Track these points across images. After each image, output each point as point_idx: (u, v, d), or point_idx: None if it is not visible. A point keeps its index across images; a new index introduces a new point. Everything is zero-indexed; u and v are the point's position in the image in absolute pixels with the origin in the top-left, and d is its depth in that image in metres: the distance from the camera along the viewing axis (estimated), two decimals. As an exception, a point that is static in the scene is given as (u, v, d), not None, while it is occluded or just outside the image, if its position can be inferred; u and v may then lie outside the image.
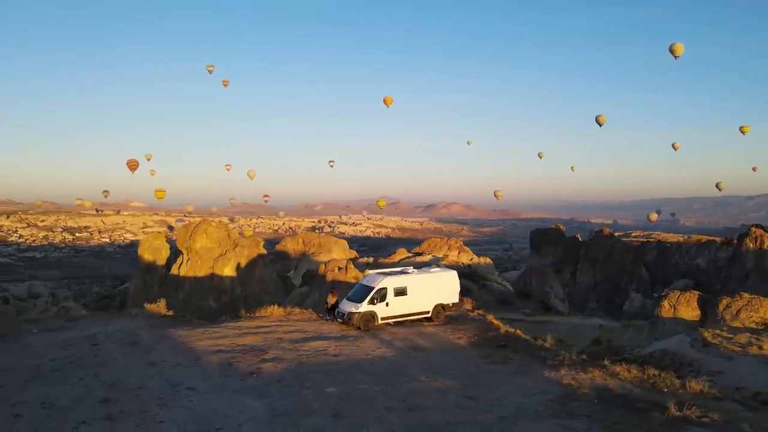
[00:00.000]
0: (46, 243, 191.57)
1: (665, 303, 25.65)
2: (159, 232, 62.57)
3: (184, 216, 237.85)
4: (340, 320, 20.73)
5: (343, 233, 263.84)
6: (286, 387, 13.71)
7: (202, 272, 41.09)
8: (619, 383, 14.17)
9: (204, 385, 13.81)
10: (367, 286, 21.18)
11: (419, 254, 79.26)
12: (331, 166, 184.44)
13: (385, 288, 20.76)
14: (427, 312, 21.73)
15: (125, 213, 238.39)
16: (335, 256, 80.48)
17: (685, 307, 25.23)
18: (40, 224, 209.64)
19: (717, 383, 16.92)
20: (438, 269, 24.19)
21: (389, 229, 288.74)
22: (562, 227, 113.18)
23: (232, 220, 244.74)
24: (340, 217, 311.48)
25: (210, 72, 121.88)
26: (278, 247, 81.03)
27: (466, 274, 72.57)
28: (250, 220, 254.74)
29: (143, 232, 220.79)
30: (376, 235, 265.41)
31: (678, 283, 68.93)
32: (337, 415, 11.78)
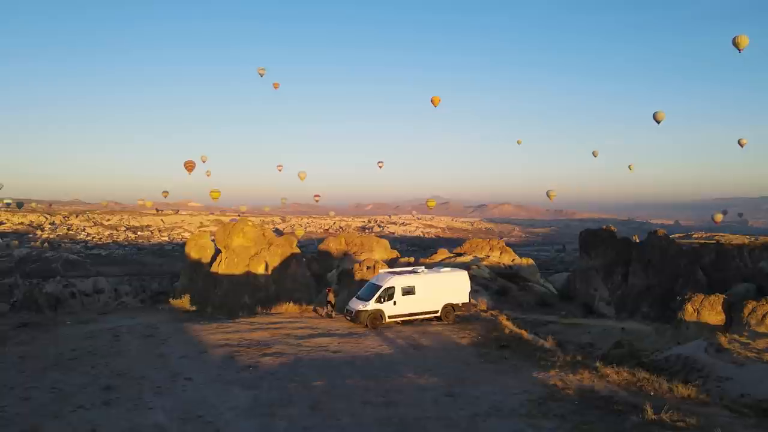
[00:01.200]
0: (111, 241, 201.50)
1: (689, 307, 24.83)
2: (204, 232, 64.88)
3: (238, 216, 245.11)
4: (348, 318, 21.27)
5: (393, 233, 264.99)
6: (277, 380, 14.33)
7: (238, 270, 42.60)
8: (606, 385, 14.04)
9: (201, 376, 14.62)
10: (375, 284, 21.61)
11: (460, 254, 78.97)
12: (380, 167, 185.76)
13: (393, 287, 21.14)
14: (436, 311, 21.96)
15: (183, 213, 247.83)
16: (376, 256, 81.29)
17: (709, 311, 24.31)
18: (106, 223, 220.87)
19: (723, 389, 16.48)
20: (448, 269, 24.35)
21: (439, 230, 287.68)
22: (613, 227, 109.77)
23: (283, 219, 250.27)
24: (390, 217, 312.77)
25: (261, 75, 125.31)
26: (321, 246, 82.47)
27: (508, 275, 71.94)
28: (302, 219, 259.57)
29: (200, 231, 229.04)
30: (426, 236, 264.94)
31: (738, 288, 65.70)
32: (313, 407, 12.29)
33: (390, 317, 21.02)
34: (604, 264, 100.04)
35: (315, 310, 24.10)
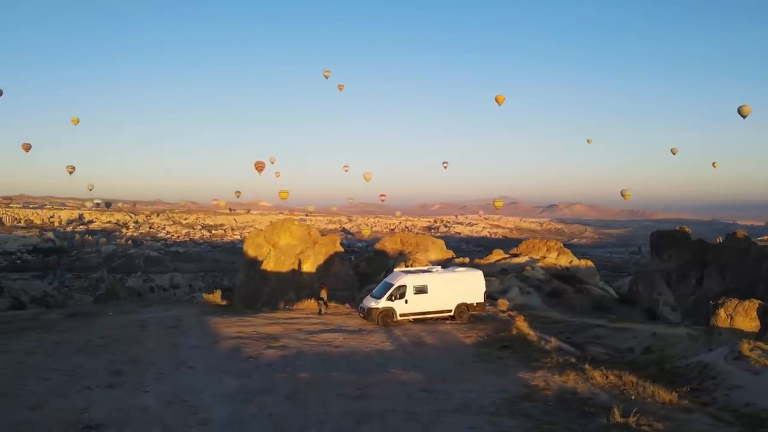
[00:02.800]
0: (188, 239, 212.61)
1: (721, 312, 23.56)
2: (260, 231, 67.28)
3: (306, 215, 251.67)
4: (362, 315, 21.91)
5: (459, 233, 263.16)
6: (269, 371, 15.19)
7: (285, 268, 44.25)
8: (589, 388, 13.88)
9: (203, 365, 15.73)
10: (388, 283, 22.12)
11: (516, 255, 77.74)
12: (445, 168, 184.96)
13: (405, 285, 21.58)
14: (450, 311, 22.19)
15: (255, 212, 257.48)
16: (431, 256, 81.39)
17: (743, 317, 22.99)
18: (183, 222, 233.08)
19: (731, 397, 15.83)
20: (463, 269, 24.49)
21: (506, 230, 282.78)
22: (686, 228, 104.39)
23: (350, 219, 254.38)
24: (456, 217, 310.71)
25: (326, 77, 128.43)
26: (377, 245, 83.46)
27: (564, 276, 70.02)
28: (368, 219, 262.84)
29: (256, 230, 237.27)
30: (493, 236, 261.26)
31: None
32: (289, 396, 13.02)
33: (401, 315, 21.47)
34: (678, 267, 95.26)
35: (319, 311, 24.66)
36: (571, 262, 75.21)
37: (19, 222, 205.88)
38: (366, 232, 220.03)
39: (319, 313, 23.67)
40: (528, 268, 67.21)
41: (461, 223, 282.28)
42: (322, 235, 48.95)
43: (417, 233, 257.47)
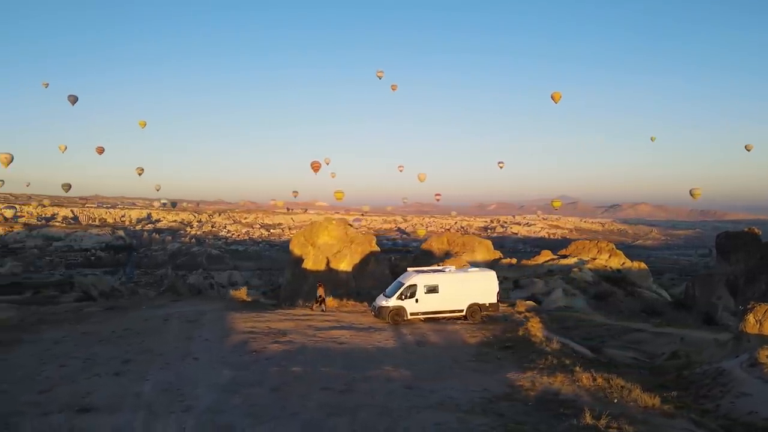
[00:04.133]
0: (247, 238, 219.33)
1: (750, 317, 22.37)
2: (303, 230, 69.08)
3: (361, 215, 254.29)
4: (373, 313, 22.32)
5: (516, 234, 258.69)
6: (267, 364, 15.85)
7: (322, 266, 45.27)
8: (575, 390, 13.75)
9: (208, 357, 16.59)
10: (400, 282, 22.43)
11: (564, 257, 75.95)
12: (501, 168, 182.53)
13: (415, 285, 21.83)
14: (461, 311, 22.25)
15: (311, 212, 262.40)
16: (478, 257, 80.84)
17: (773, 323, 21.77)
18: (243, 221, 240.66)
19: (736, 405, 15.30)
20: (476, 269, 24.41)
21: (566, 231, 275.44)
22: (756, 230, 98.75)
23: (405, 219, 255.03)
24: (514, 217, 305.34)
25: (380, 78, 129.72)
26: (424, 245, 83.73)
27: (614, 279, 67.90)
28: (423, 219, 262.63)
29: (299, 230, 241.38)
30: (551, 236, 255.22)
31: None
32: (275, 389, 13.60)
33: (412, 314, 21.73)
34: (746, 270, 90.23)
35: (311, 308, 25.18)
36: (623, 264, 72.81)
37: (94, 221, 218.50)
38: (421, 232, 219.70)
39: (322, 309, 24.29)
40: (575, 270, 65.66)
41: (518, 224, 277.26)
42: (376, 235, 49.73)
43: (472, 233, 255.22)
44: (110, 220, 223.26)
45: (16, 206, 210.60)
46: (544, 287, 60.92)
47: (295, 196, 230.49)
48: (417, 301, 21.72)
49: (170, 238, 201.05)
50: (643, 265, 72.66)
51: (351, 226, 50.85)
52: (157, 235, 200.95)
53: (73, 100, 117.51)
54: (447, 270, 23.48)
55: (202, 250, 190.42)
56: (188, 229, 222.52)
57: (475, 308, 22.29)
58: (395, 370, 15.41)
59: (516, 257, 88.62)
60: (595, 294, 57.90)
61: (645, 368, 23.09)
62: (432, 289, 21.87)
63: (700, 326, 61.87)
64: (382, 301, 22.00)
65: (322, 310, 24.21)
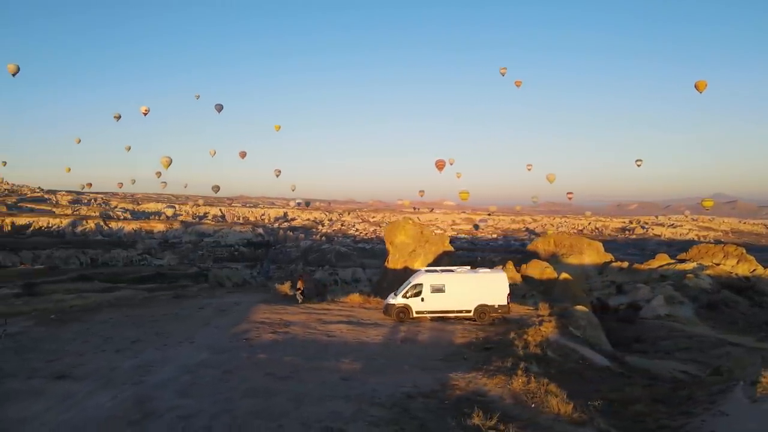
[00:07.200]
0: (374, 237, 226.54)
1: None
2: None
3: (488, 215, 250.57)
4: (383, 310, 23.05)
5: (659, 236, 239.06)
6: (245, 351, 17.44)
7: (399, 265, 46.39)
8: (504, 392, 13.56)
9: (202, 342, 18.55)
10: (409, 281, 22.90)
11: (682, 261, 69.23)
12: (639, 166, 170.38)
13: (421, 284, 22.20)
14: (469, 311, 22.17)
15: (438, 211, 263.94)
16: (586, 259, 76.72)
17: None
18: (371, 220, 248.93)
19: (705, 422, 14.06)
20: (487, 270, 24.01)
21: (719, 233, 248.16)
22: None
23: (534, 219, 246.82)
24: (657, 217, 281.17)
25: (503, 74, 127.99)
26: (529, 247, 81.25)
27: (739, 287, 60.68)
28: (554, 219, 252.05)
29: (452, 228, 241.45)
30: (700, 239, 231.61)
31: None
32: (227, 371, 15.08)
33: (417, 313, 22.14)
34: None
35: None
36: (753, 271, 64.98)
37: (239, 219, 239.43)
38: (551, 232, 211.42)
39: (299, 302, 25.88)
40: (690, 276, 59.90)
41: (662, 225, 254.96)
42: (503, 235, 50.09)
43: (607, 235, 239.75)
44: (252, 219, 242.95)
45: (176, 206, 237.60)
46: (648, 293, 56.46)
47: (422, 196, 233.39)
48: (423, 300, 22.10)
49: (303, 235, 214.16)
50: (778, 273, 64.08)
51: (424, 225, 51.41)
52: (291, 233, 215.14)
53: (219, 108, 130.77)
54: (457, 270, 23.48)
55: (331, 247, 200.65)
56: (320, 227, 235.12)
57: (483, 309, 22.09)
58: (350, 364, 16.17)
59: (641, 260, 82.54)
60: (707, 302, 52.41)
61: (671, 382, 21.33)
62: (438, 289, 22.10)
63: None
64: (391, 299, 22.68)
65: (301, 302, 25.87)
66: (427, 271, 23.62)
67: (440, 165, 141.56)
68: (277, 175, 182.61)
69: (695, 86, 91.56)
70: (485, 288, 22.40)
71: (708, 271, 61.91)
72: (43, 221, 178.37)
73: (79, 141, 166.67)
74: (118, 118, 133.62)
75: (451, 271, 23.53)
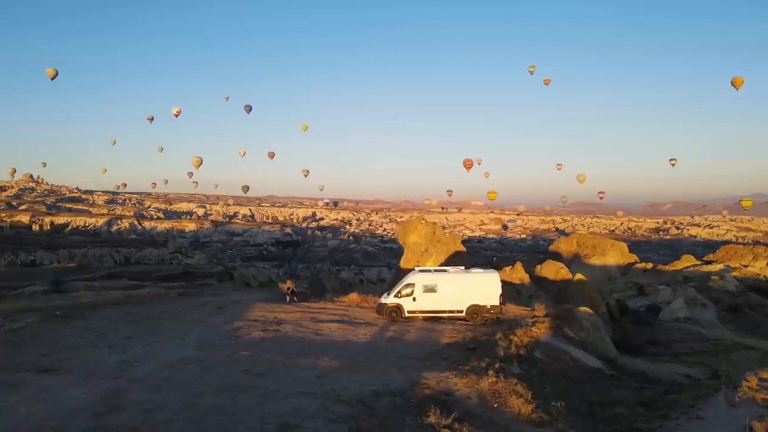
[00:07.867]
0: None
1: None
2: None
3: (516, 215, 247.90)
4: (377, 309, 23.18)
5: (694, 236, 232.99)
6: (230, 348, 17.80)
7: (411, 264, 46.34)
8: (472, 392, 13.58)
9: (192, 339, 19.01)
10: (402, 281, 22.98)
11: (709, 263, 67.39)
12: (673, 165, 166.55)
13: (413, 284, 22.28)
14: (461, 311, 22.14)
15: (466, 211, 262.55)
16: (609, 260, 75.40)
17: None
18: (399, 220, 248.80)
19: (680, 425, 13.91)
20: (480, 270, 23.90)
21: (759, 234, 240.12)
22: None
23: (564, 219, 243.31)
24: (692, 217, 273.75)
25: (531, 73, 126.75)
26: (551, 247, 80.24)
27: (766, 290, 58.67)
28: (584, 219, 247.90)
29: (480, 228, 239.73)
30: (739, 240, 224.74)
31: None
32: (206, 368, 15.43)
33: (409, 312, 22.22)
34: None
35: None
36: (783, 272, 62.68)
37: (268, 219, 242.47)
38: (582, 233, 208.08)
39: (287, 300, 26.37)
40: (714, 277, 58.29)
41: (698, 225, 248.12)
42: (533, 235, 49.92)
43: (640, 235, 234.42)
44: (281, 218, 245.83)
45: (207, 206, 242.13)
46: (670, 295, 55.13)
47: (450, 195, 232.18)
48: (414, 299, 22.17)
49: (330, 235, 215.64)
50: (807, 276, 61.88)
51: (438, 225, 51.30)
52: (318, 232, 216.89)
53: (248, 109, 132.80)
54: (450, 270, 23.48)
55: (358, 247, 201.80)
56: (348, 227, 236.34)
57: (474, 309, 22.04)
58: (329, 361, 16.37)
59: (649, 262, 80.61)
60: (729, 305, 50.90)
61: (666, 385, 20.93)
62: (429, 289, 22.15)
63: None
64: (384, 299, 22.82)
65: (289, 301, 26.37)
66: (420, 270, 23.70)
67: (468, 164, 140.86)
68: (306, 175, 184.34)
69: (732, 83, 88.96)
70: (477, 288, 22.35)
71: (734, 273, 60.16)
72: (80, 220, 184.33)
73: (114, 142, 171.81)
74: (151, 119, 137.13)
75: (444, 271, 23.56)
